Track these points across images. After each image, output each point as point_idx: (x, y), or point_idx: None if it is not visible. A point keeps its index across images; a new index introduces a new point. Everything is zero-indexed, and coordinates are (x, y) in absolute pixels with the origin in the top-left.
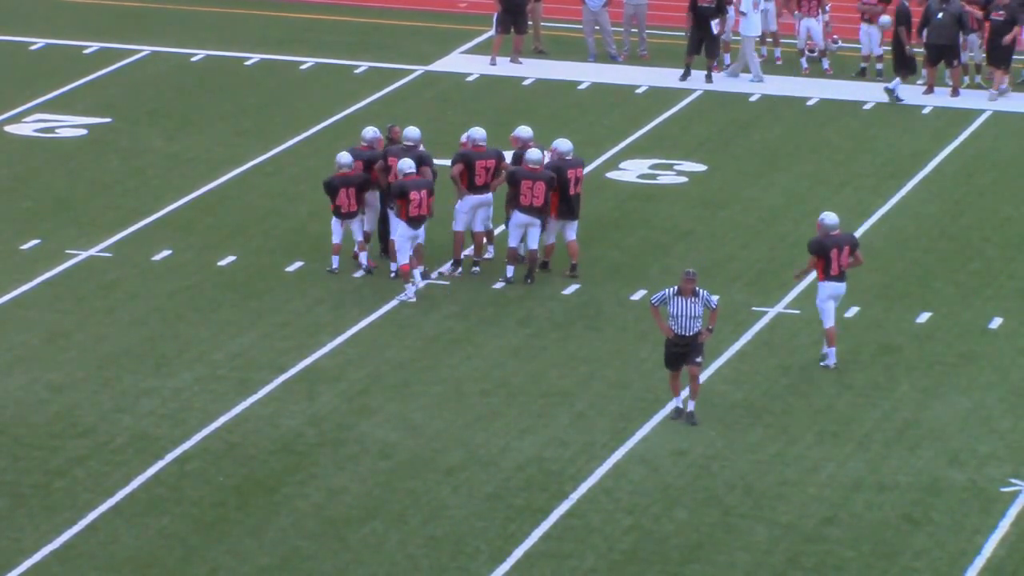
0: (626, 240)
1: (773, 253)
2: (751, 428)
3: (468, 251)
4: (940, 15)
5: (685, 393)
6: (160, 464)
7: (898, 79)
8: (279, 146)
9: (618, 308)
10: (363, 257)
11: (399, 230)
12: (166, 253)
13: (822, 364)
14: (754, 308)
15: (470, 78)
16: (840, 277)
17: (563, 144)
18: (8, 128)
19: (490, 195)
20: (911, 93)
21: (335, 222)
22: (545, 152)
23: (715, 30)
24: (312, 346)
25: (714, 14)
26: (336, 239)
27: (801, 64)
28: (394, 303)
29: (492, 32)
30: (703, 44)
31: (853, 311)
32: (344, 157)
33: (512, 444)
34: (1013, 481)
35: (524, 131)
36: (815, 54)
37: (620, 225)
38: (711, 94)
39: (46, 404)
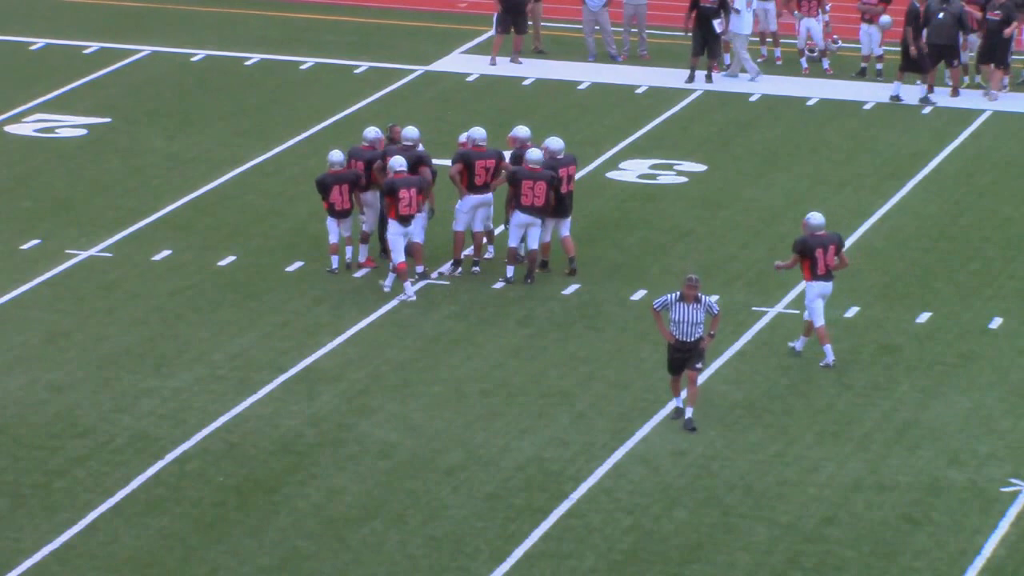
0: (626, 240)
1: (773, 253)
2: (751, 428)
3: (468, 251)
4: (940, 15)
5: (685, 394)
6: (160, 464)
7: (924, 85)
8: (279, 146)
9: (618, 308)
10: (348, 251)
11: (390, 228)
12: (166, 253)
13: (822, 364)
14: (754, 308)
15: (470, 78)
16: (827, 276)
17: (555, 143)
18: (8, 128)
19: (490, 195)
20: (911, 93)
21: (330, 221)
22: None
23: (718, 29)
24: (312, 346)
25: (716, 14)
26: (333, 239)
27: (801, 64)
28: (394, 303)
29: (492, 32)
30: (706, 45)
31: (853, 311)
32: (336, 155)
33: (512, 444)
34: (1013, 481)
35: (522, 131)
36: (815, 54)
37: (620, 225)
38: (711, 94)
39: (46, 404)
